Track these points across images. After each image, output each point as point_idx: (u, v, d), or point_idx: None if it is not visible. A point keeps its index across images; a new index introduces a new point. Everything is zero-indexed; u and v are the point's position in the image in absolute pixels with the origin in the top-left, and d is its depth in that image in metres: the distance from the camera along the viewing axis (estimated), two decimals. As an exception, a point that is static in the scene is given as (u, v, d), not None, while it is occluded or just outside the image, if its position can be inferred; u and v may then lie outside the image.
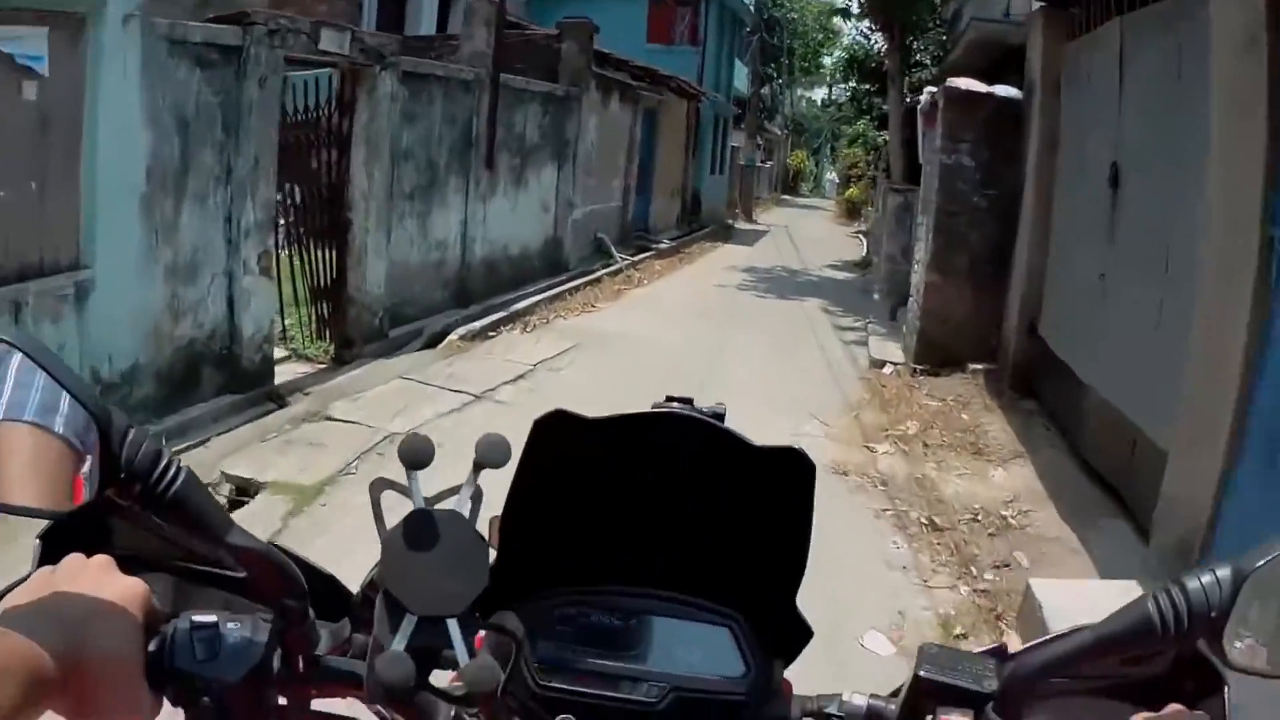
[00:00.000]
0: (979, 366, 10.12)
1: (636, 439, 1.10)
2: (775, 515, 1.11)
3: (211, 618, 0.91)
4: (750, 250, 24.43)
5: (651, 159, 21.85)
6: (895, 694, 1.06)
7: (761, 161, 44.05)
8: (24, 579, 0.88)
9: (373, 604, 0.94)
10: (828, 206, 51.01)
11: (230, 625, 0.92)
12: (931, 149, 10.65)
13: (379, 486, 0.93)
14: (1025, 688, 0.94)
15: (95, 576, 0.85)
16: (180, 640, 0.89)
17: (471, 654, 0.90)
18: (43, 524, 0.93)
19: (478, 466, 0.95)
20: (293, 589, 0.96)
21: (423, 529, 0.92)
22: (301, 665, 0.98)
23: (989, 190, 10.13)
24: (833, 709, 1.10)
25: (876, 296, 15.19)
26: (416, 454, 0.93)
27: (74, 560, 0.87)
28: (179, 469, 0.87)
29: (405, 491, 0.94)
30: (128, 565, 0.90)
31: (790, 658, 1.18)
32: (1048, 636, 0.95)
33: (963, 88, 10.08)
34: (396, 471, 0.96)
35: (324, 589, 1.06)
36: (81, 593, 0.83)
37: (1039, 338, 9.06)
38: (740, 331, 12.79)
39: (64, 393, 0.82)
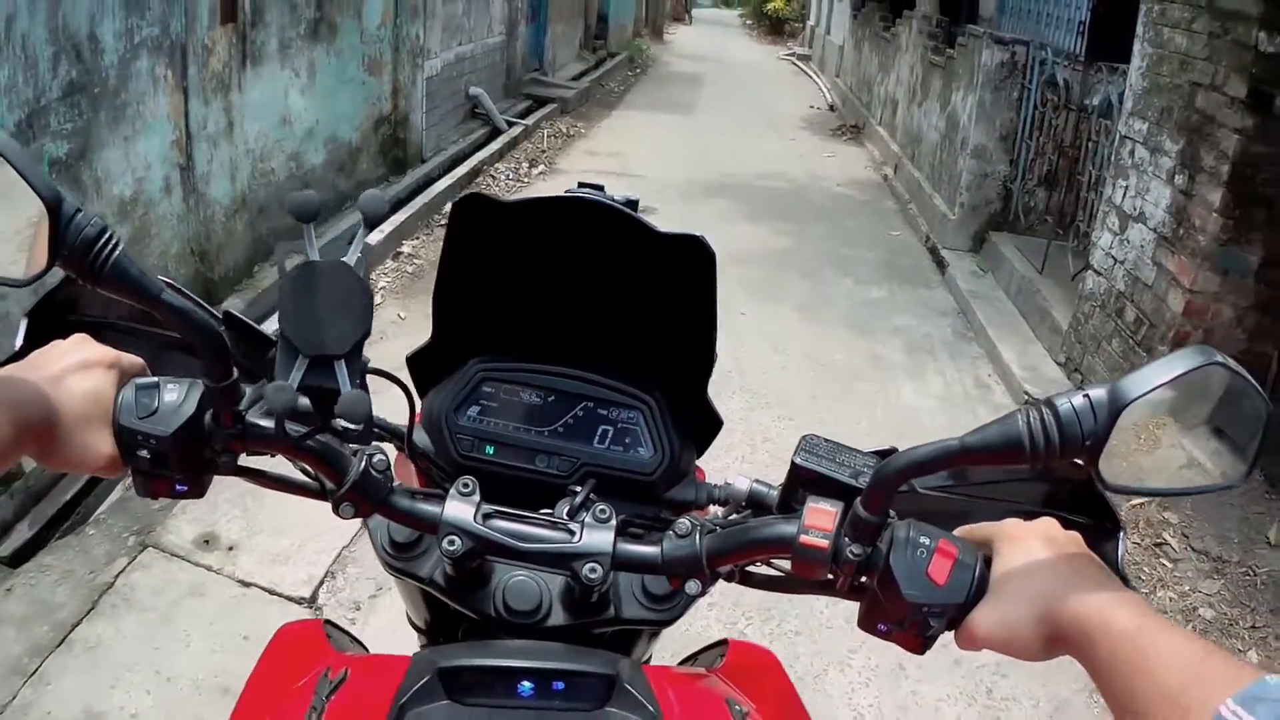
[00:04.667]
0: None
1: (551, 223, 1.18)
2: (682, 302, 1.19)
3: (154, 380, 1.01)
4: (690, 101, 17.84)
5: (547, -30, 15.12)
6: (779, 485, 1.11)
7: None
8: (17, 353, 1.07)
9: None
10: (733, 20, 48.05)
11: (169, 386, 1.00)
12: None
13: (283, 250, 0.98)
14: (892, 483, 0.94)
15: (73, 347, 1.02)
16: (126, 399, 0.99)
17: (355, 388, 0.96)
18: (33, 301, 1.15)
19: (367, 223, 0.99)
20: (215, 346, 0.98)
21: (312, 278, 0.95)
22: (229, 421, 1.01)
23: None
24: (737, 490, 1.17)
25: (954, 213, 9.06)
26: (304, 208, 0.95)
27: (57, 341, 1.03)
28: (116, 243, 0.89)
29: (300, 249, 0.97)
30: (114, 336, 1.09)
31: (703, 446, 1.31)
32: (914, 449, 0.93)
33: None
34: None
35: (257, 349, 1.15)
36: (59, 359, 0.99)
37: None
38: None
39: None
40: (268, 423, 1.02)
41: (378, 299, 6.47)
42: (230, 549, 3.67)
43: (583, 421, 1.26)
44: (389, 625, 3.25)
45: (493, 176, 10.02)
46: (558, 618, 1.15)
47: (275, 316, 1.00)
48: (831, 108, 18.55)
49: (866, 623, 1.00)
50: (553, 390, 1.26)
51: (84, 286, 0.98)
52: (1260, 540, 4.32)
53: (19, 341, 1.11)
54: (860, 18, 17.50)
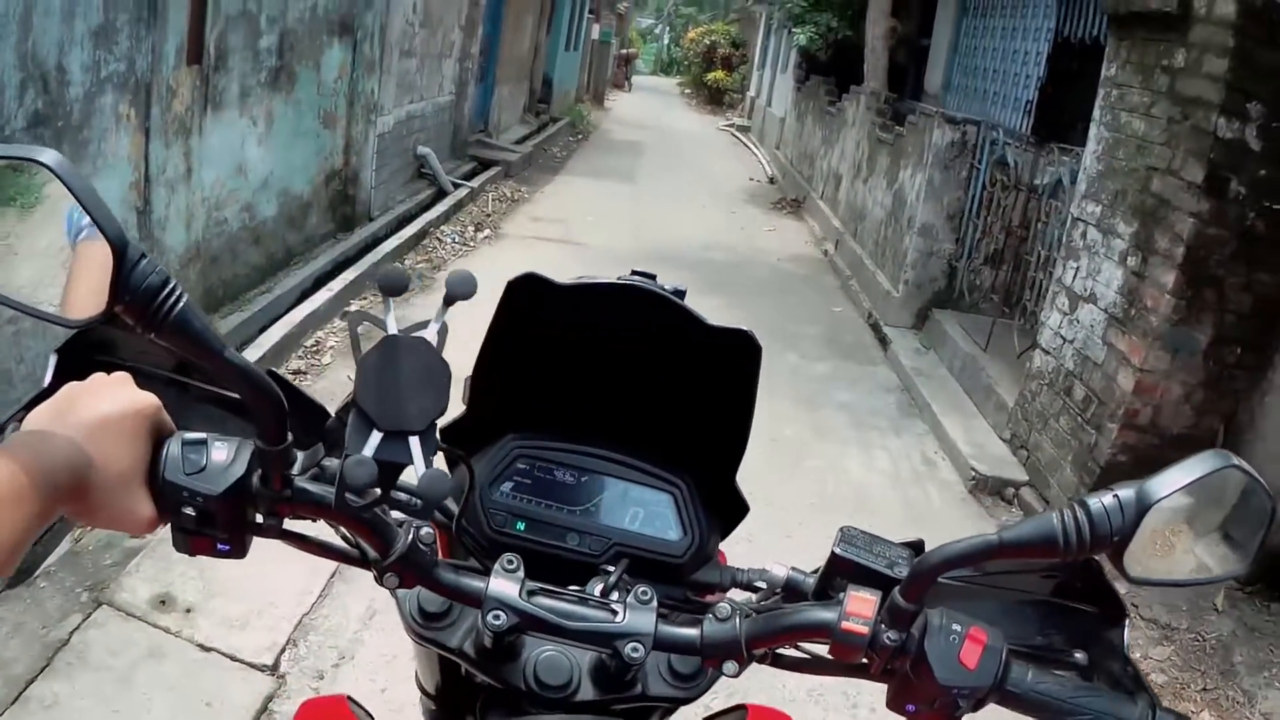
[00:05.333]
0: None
1: (601, 307, 1.21)
2: (722, 391, 1.23)
3: (202, 436, 1.00)
4: (631, 169, 17.85)
5: (498, 30, 15.08)
6: (815, 572, 1.16)
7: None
8: (45, 390, 1.02)
9: (343, 430, 1.01)
10: (671, 89, 48.07)
11: (217, 444, 1.00)
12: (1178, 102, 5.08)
13: (356, 319, 1.04)
14: (930, 575, 0.98)
15: (112, 390, 0.97)
16: (173, 454, 0.98)
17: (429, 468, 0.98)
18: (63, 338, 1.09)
19: (447, 300, 1.01)
20: (274, 410, 0.97)
21: (393, 353, 0.98)
22: (278, 485, 1.01)
23: (1277, 202, 4.69)
24: (763, 580, 1.23)
25: (898, 289, 9.16)
26: (393, 283, 1.00)
27: (97, 377, 0.98)
28: (180, 295, 0.89)
29: (379, 322, 1.01)
30: (144, 381, 1.02)
31: (727, 531, 1.34)
32: (960, 539, 0.99)
33: (1259, 3, 4.59)
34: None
35: (306, 415, 1.12)
36: (98, 404, 0.94)
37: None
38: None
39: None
40: (317, 488, 1.03)
41: (326, 359, 6.40)
42: (188, 611, 3.57)
43: (614, 502, 1.29)
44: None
45: (439, 239, 9.92)
46: (586, 693, 1.16)
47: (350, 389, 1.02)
48: (772, 180, 18.70)
49: (895, 703, 1.05)
50: (586, 470, 1.29)
51: (122, 330, 1.01)
52: (1208, 608, 4.47)
53: (48, 379, 1.10)
54: (804, 91, 17.69)
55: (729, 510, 1.33)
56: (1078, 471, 5.34)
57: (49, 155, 0.85)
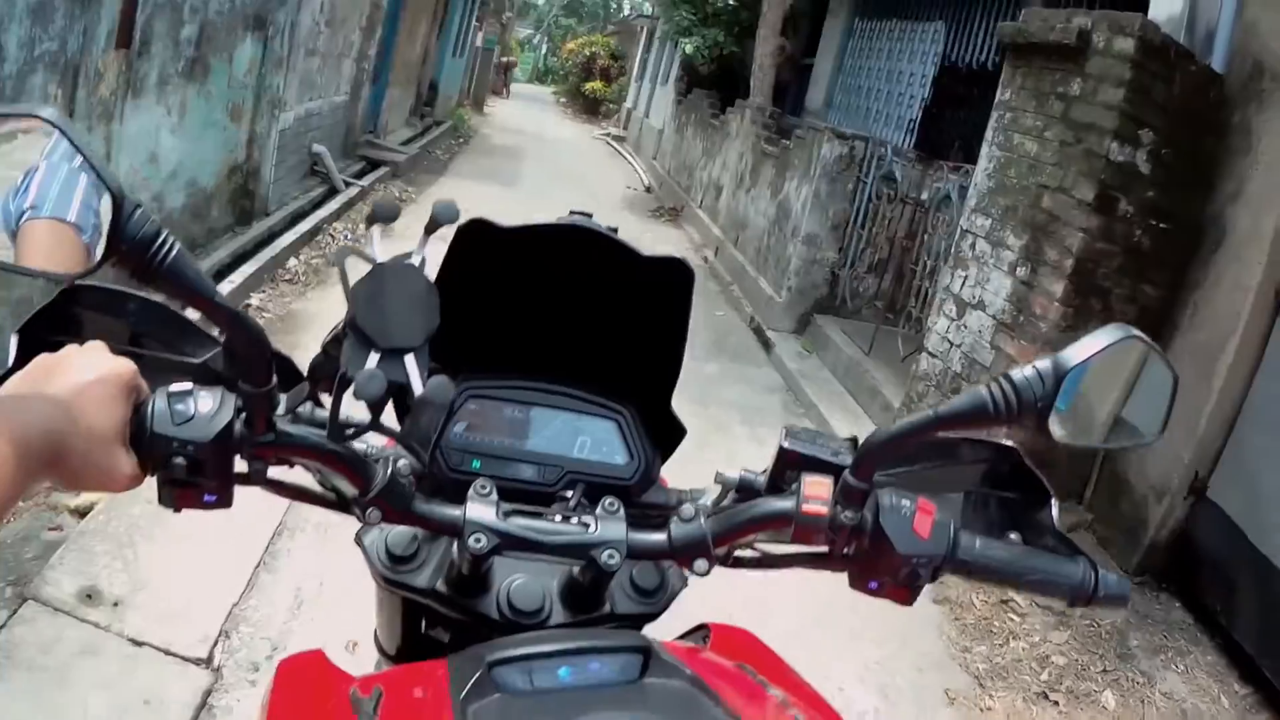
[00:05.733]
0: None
1: (543, 247, 1.28)
2: (658, 318, 1.30)
3: (187, 386, 1.00)
4: (513, 174, 17.93)
5: (394, 33, 14.98)
6: (764, 471, 1.21)
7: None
8: (8, 371, 0.99)
9: (331, 363, 1.06)
10: (547, 97, 48.06)
11: (202, 394, 1.00)
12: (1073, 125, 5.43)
13: (343, 253, 1.08)
14: (878, 452, 1.05)
15: (88, 357, 0.96)
16: (159, 407, 0.98)
17: (425, 383, 1.03)
18: (20, 320, 1.09)
19: (430, 227, 1.07)
20: (261, 351, 0.99)
21: (384, 279, 1.04)
22: (262, 428, 1.02)
23: (1162, 221, 5.10)
24: (700, 498, 1.30)
25: (781, 295, 9.51)
26: (388, 212, 1.07)
27: (69, 348, 0.97)
28: (174, 243, 0.91)
29: (364, 255, 1.06)
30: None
31: (666, 455, 1.39)
32: (897, 424, 1.04)
33: (1156, 40, 4.99)
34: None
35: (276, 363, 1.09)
36: (75, 372, 0.93)
37: (1210, 503, 4.94)
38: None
39: (82, 179, 1.04)
40: (299, 429, 1.05)
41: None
42: (116, 604, 3.44)
43: (562, 432, 1.33)
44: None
45: (332, 235, 9.89)
46: (558, 616, 1.20)
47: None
48: (649, 189, 18.92)
49: (859, 582, 1.11)
50: (534, 405, 1.33)
51: (78, 303, 1.08)
52: None
53: (10, 358, 1.07)
54: (686, 104, 17.99)
55: (667, 435, 1.38)
56: (965, 466, 5.61)
57: (49, 111, 0.89)
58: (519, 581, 1.19)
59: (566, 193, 16.31)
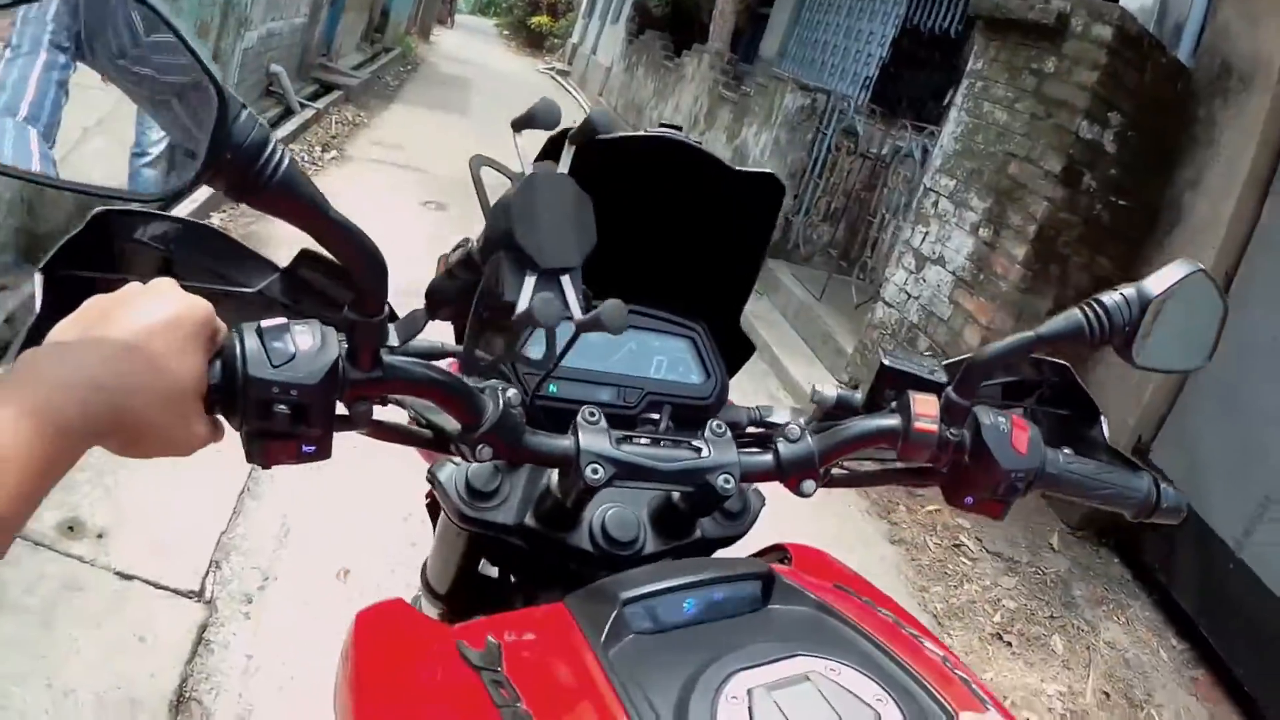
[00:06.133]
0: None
1: (630, 161, 1.20)
2: (741, 234, 1.30)
3: (282, 321, 0.86)
4: (462, 103, 17.85)
5: (354, -46, 14.82)
6: (855, 388, 1.22)
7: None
8: (39, 319, 0.87)
9: (457, 285, 1.03)
10: (490, 29, 47.62)
11: (299, 328, 0.86)
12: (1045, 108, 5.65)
13: (478, 162, 1.04)
14: (982, 370, 1.08)
15: (155, 298, 0.80)
16: (252, 347, 0.84)
17: (583, 307, 0.94)
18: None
19: (578, 135, 1.01)
20: (379, 275, 0.85)
21: (537, 191, 0.95)
22: (368, 364, 0.89)
23: (1123, 199, 5.36)
24: (775, 417, 1.32)
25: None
26: (549, 115, 0.99)
27: (132, 285, 0.81)
28: (284, 152, 0.77)
29: (502, 169, 1.03)
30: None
31: (733, 371, 1.37)
32: (998, 342, 1.07)
33: (1133, 31, 5.22)
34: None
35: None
36: (139, 315, 0.78)
37: (1152, 466, 4.66)
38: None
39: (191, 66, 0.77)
40: (407, 361, 0.94)
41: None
42: (100, 536, 3.25)
43: (638, 353, 1.29)
44: (287, 619, 3.17)
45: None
46: (651, 545, 1.16)
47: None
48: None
49: (955, 497, 1.13)
50: None
51: (109, 231, 0.97)
52: (1044, 545, 4.99)
53: (37, 304, 0.92)
54: (637, 44, 18.04)
55: (736, 351, 1.37)
56: (916, 412, 5.85)
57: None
58: (613, 510, 1.15)
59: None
